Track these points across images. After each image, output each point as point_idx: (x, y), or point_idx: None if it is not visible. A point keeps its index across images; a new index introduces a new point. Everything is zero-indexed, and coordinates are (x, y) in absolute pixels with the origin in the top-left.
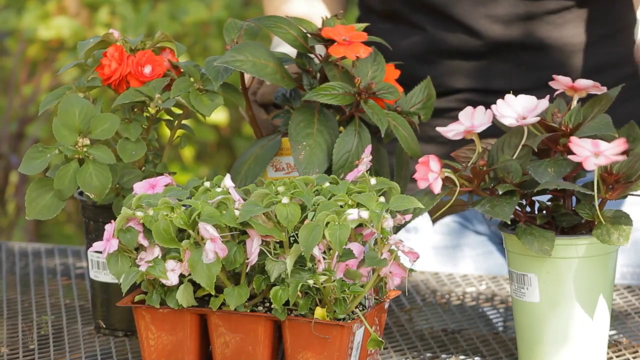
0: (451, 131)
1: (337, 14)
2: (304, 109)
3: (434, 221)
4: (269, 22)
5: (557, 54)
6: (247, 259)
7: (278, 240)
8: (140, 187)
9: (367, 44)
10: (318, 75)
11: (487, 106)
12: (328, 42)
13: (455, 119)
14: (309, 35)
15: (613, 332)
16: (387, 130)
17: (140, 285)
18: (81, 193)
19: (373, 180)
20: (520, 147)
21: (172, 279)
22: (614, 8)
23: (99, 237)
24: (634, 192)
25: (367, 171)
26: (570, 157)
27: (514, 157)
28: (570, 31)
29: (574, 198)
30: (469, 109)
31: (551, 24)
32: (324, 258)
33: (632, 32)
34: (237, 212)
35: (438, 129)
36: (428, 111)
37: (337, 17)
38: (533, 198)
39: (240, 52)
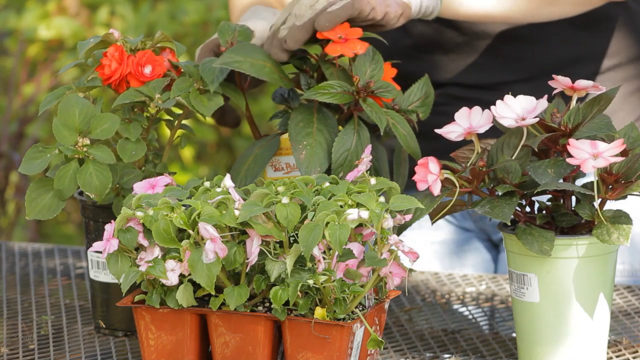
0: (451, 132)
1: None
2: (303, 108)
3: (433, 222)
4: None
5: (534, 45)
6: (247, 259)
7: (278, 240)
8: (140, 187)
9: (362, 40)
10: (315, 75)
11: (471, 101)
12: (323, 42)
13: (440, 114)
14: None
15: (613, 332)
16: (386, 128)
17: (140, 285)
18: (81, 193)
19: (373, 180)
20: (519, 147)
21: (172, 279)
22: None
23: (99, 237)
24: (634, 192)
25: (366, 171)
26: (568, 160)
27: (513, 158)
28: (547, 21)
29: (573, 198)
30: (464, 109)
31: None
32: (324, 258)
33: (612, 24)
34: (237, 212)
35: (437, 130)
36: (426, 109)
37: None
38: (533, 198)
39: (238, 53)
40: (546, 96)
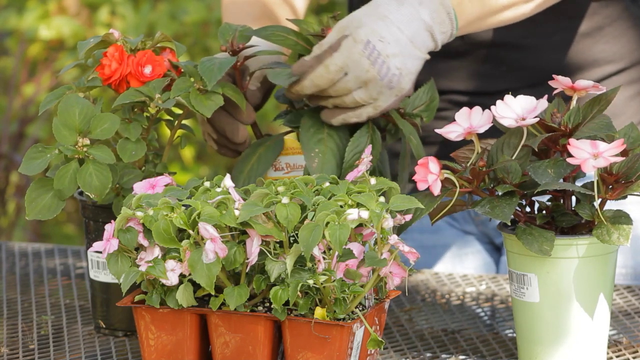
0: (451, 132)
1: (334, 14)
2: (312, 112)
3: (433, 223)
4: (266, 33)
5: (537, 53)
6: (247, 259)
7: (278, 240)
8: (140, 187)
9: None
10: None
11: (474, 106)
12: None
13: (442, 119)
14: (311, 36)
15: (613, 332)
16: (397, 133)
17: (140, 285)
18: (81, 193)
19: (373, 180)
20: (519, 147)
21: (172, 279)
22: (592, 5)
23: (99, 237)
24: (634, 192)
25: (366, 171)
26: (568, 159)
27: (513, 158)
28: (549, 29)
29: (573, 198)
30: (465, 109)
31: (529, 21)
32: (324, 258)
33: (615, 30)
34: (237, 212)
35: (437, 130)
36: (431, 113)
37: (335, 17)
38: (533, 198)
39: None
40: (546, 96)
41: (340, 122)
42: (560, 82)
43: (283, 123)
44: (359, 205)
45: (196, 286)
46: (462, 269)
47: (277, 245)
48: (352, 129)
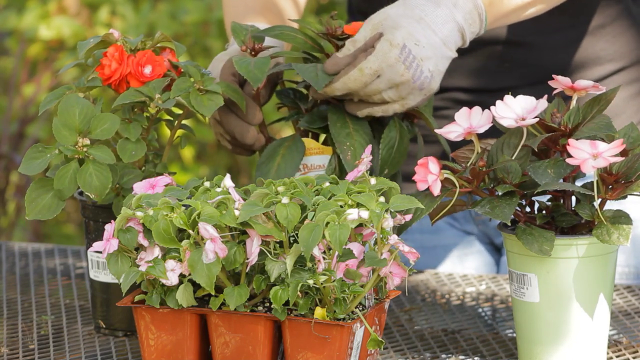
0: (451, 132)
1: (331, 14)
2: (335, 109)
3: (433, 223)
4: (275, 33)
5: (540, 50)
6: (247, 259)
7: (278, 240)
8: (140, 187)
9: None
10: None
11: (475, 105)
12: (342, 40)
13: (444, 118)
14: (319, 35)
15: (613, 332)
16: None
17: (140, 285)
18: (81, 193)
19: (373, 180)
20: (519, 147)
21: (172, 279)
22: (594, 4)
23: (99, 237)
24: (634, 192)
25: (366, 171)
26: (568, 160)
27: (513, 158)
28: (552, 27)
29: (573, 198)
30: (464, 109)
31: (532, 19)
32: (324, 258)
33: (616, 28)
34: (237, 212)
35: (437, 130)
36: (429, 109)
37: (332, 17)
38: (533, 198)
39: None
40: (546, 96)
41: (365, 114)
42: (560, 82)
43: (299, 124)
44: (359, 205)
45: (196, 286)
46: (462, 269)
47: (277, 245)
48: (372, 122)
